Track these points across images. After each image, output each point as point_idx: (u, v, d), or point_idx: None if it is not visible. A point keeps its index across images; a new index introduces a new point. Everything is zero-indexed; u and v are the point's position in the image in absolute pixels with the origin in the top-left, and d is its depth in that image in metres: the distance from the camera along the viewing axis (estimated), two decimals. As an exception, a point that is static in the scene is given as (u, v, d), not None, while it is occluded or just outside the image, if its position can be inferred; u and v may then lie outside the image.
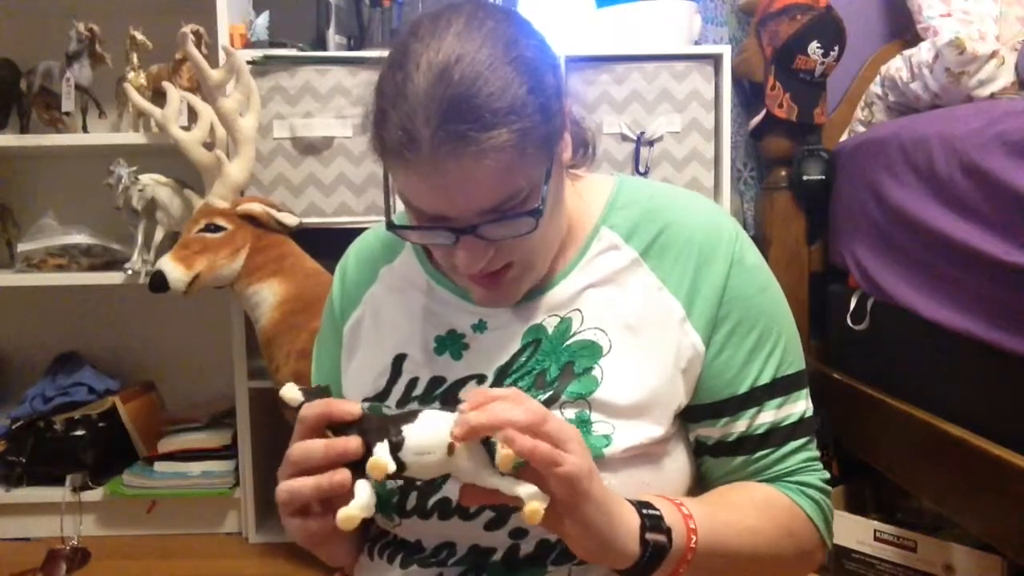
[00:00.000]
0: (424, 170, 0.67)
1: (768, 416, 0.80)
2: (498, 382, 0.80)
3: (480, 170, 0.67)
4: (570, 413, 0.77)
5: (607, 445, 0.75)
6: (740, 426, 0.80)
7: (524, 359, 0.80)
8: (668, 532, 0.69)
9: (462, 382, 0.81)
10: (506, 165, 0.67)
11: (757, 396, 0.80)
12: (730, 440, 0.81)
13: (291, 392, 0.70)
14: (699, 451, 0.84)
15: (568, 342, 0.80)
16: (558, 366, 0.79)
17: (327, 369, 0.93)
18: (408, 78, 0.67)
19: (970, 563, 1.48)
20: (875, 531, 1.63)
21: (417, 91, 0.66)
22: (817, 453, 0.84)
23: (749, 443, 0.81)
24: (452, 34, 0.68)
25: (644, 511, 0.69)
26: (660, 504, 0.71)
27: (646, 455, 0.77)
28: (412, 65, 0.67)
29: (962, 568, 1.49)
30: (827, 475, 0.84)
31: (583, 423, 0.76)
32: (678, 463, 0.81)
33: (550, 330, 0.81)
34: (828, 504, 0.83)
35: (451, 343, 0.83)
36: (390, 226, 0.75)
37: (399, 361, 0.84)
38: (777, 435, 0.81)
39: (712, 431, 0.82)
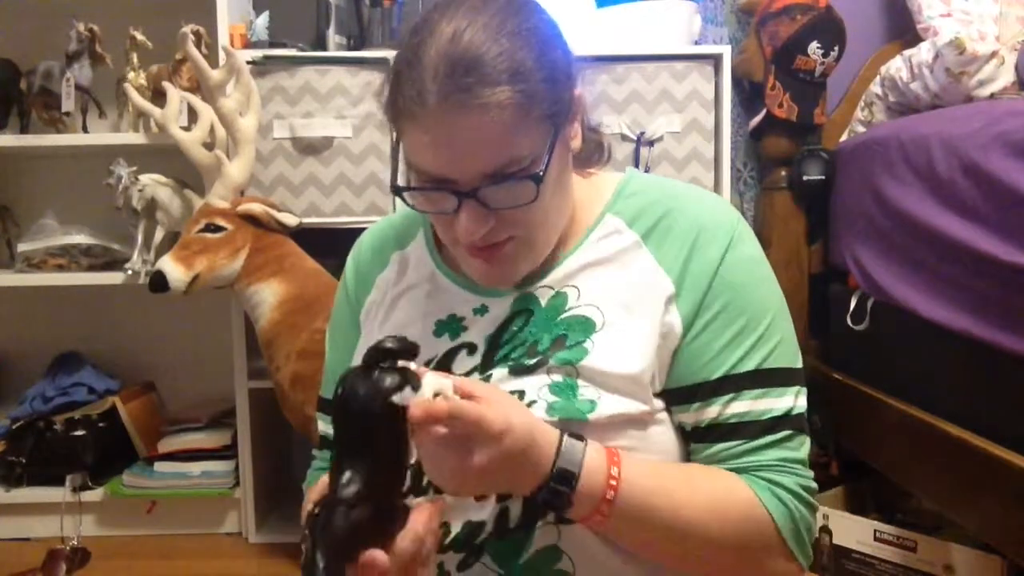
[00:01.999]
0: (430, 124, 0.70)
1: (743, 406, 0.79)
2: (490, 351, 0.82)
3: (483, 126, 0.69)
4: (557, 377, 0.78)
5: (592, 410, 0.76)
6: (711, 412, 0.80)
7: (515, 329, 0.81)
8: (568, 498, 0.71)
9: (454, 351, 0.83)
10: (509, 124, 0.70)
11: (733, 383, 0.79)
12: (702, 426, 0.81)
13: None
14: (683, 435, 0.83)
15: (562, 316, 0.81)
16: (551, 338, 0.80)
17: (345, 356, 0.93)
18: (422, 43, 0.71)
19: (970, 563, 1.48)
20: (875, 531, 1.63)
21: (429, 53, 0.70)
22: (803, 457, 0.81)
23: (720, 431, 0.80)
24: (466, 7, 0.72)
25: (553, 484, 0.71)
26: (590, 470, 0.72)
27: (632, 421, 0.78)
28: (426, 32, 0.71)
29: (962, 568, 1.49)
30: (810, 483, 0.80)
31: (569, 388, 0.77)
32: (665, 436, 0.81)
33: (543, 301, 0.82)
34: (803, 513, 0.79)
35: (450, 325, 0.85)
36: (395, 189, 0.76)
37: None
38: (752, 427, 0.79)
39: (686, 416, 0.82)
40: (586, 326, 0.80)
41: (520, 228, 0.76)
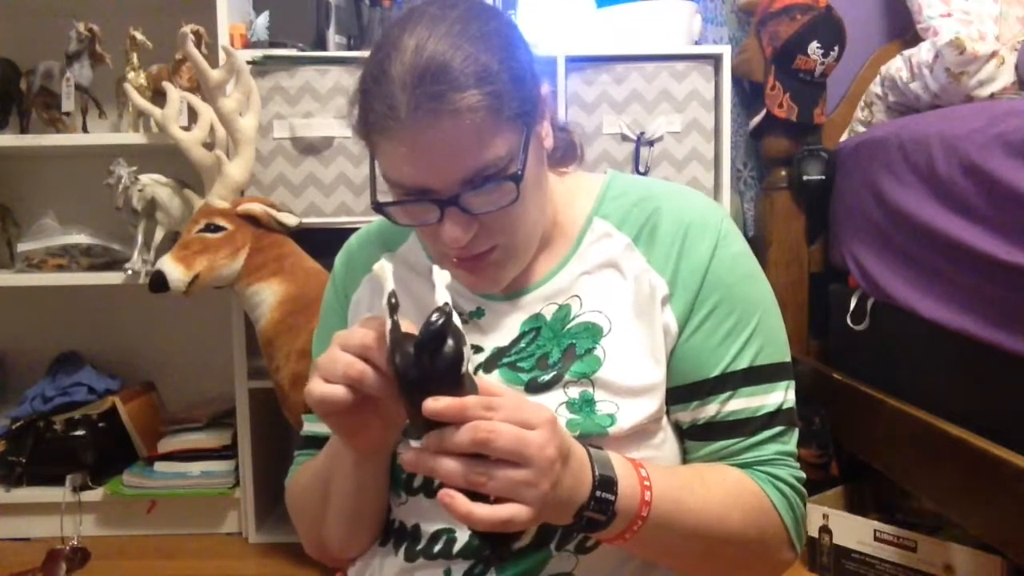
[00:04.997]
0: (405, 136, 0.70)
1: (739, 403, 0.80)
2: (494, 360, 0.82)
3: (458, 131, 0.69)
4: (574, 392, 0.78)
5: (611, 424, 0.77)
6: (709, 410, 0.81)
7: (524, 344, 0.82)
8: (611, 516, 0.69)
9: None
10: (482, 127, 0.70)
11: (729, 382, 0.80)
12: (700, 424, 0.82)
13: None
14: (679, 434, 0.84)
15: (568, 326, 0.81)
16: (560, 349, 0.80)
17: None
18: (386, 58, 0.71)
19: (970, 563, 1.48)
20: (875, 531, 1.63)
21: (394, 67, 0.70)
22: (794, 449, 0.83)
23: (719, 429, 0.81)
24: (426, 18, 0.72)
25: (599, 493, 0.68)
26: (624, 485, 0.70)
27: (644, 432, 0.79)
28: (389, 47, 0.71)
29: (962, 568, 1.49)
30: (802, 475, 0.83)
31: (587, 403, 0.78)
32: (670, 439, 0.83)
33: (549, 317, 0.82)
34: (799, 504, 0.82)
35: None
36: (376, 206, 0.76)
37: None
38: (750, 424, 0.81)
39: (683, 415, 0.82)
40: (593, 332, 0.80)
41: (503, 235, 0.76)
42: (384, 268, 0.67)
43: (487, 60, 0.70)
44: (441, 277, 0.66)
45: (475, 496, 0.62)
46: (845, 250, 1.86)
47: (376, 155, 0.75)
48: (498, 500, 0.62)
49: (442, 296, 0.65)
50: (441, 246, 0.76)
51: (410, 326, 0.65)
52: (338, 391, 0.66)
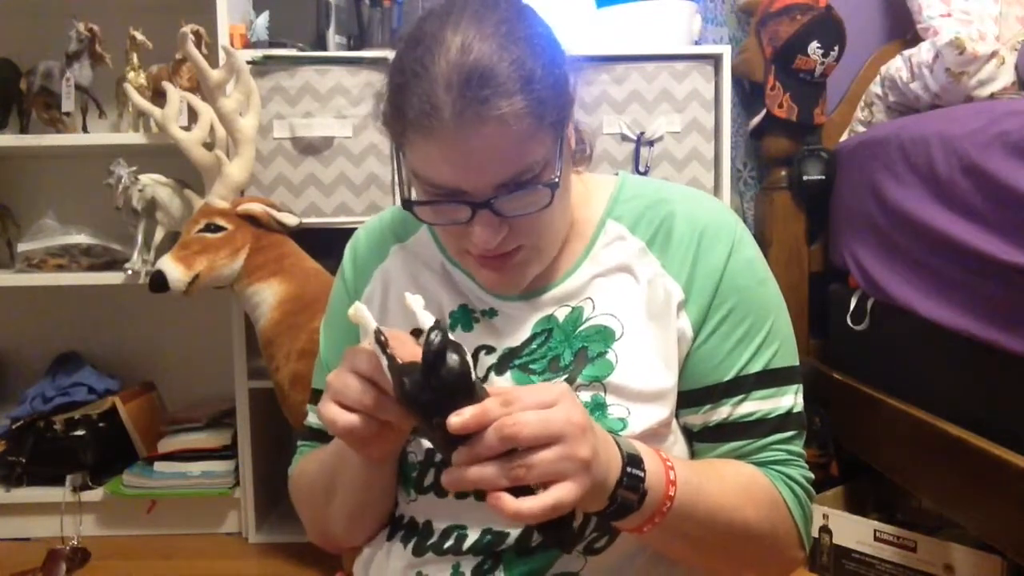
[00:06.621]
0: (446, 137, 0.68)
1: (751, 406, 0.81)
2: (505, 361, 0.81)
3: (500, 136, 0.68)
4: (585, 396, 0.78)
5: (623, 428, 0.77)
6: (722, 413, 0.81)
7: (535, 346, 0.81)
8: (643, 494, 0.68)
9: (473, 352, 0.82)
10: (525, 133, 0.69)
11: (742, 385, 0.81)
12: (711, 427, 0.82)
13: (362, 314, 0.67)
14: (688, 437, 0.84)
15: (580, 329, 0.81)
16: (572, 351, 0.80)
17: (342, 348, 0.93)
18: (427, 53, 0.69)
19: (970, 563, 1.48)
20: (875, 531, 1.63)
21: (438, 63, 0.68)
22: (802, 451, 0.84)
23: (731, 431, 0.81)
24: (469, 14, 0.70)
25: (629, 469, 0.68)
26: (649, 463, 0.70)
27: (655, 436, 0.79)
28: (431, 41, 0.69)
29: (962, 568, 1.49)
30: (811, 476, 0.84)
31: (599, 406, 0.77)
32: (680, 442, 0.83)
33: (561, 319, 0.82)
34: (808, 504, 0.83)
35: (462, 317, 0.84)
36: (406, 203, 0.75)
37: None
38: (761, 426, 0.81)
39: (695, 418, 0.82)
40: (605, 335, 0.80)
41: (531, 236, 0.76)
42: (359, 310, 0.67)
43: (532, 65, 0.69)
44: (416, 301, 0.66)
45: (520, 491, 0.62)
46: (845, 250, 1.86)
47: (406, 150, 0.74)
48: (543, 486, 0.62)
49: (426, 319, 0.65)
50: (467, 245, 0.75)
51: (408, 352, 0.65)
52: (360, 422, 0.66)
